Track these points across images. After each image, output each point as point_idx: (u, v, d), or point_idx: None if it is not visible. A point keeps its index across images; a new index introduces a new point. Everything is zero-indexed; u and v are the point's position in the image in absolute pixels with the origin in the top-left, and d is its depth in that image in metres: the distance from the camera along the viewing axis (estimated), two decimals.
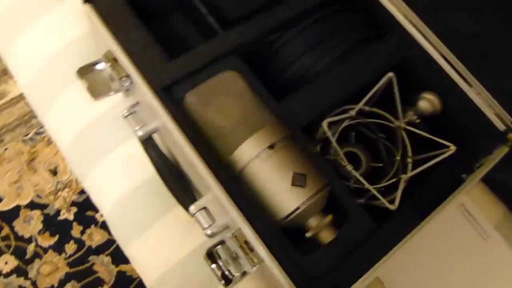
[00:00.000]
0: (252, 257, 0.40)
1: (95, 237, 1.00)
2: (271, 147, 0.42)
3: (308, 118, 0.46)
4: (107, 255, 0.98)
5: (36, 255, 0.98)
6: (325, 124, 0.44)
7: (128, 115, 0.47)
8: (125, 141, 0.58)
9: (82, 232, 0.99)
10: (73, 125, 0.59)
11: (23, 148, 1.03)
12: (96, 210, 1.02)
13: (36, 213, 1.01)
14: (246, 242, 0.40)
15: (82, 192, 1.03)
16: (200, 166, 0.42)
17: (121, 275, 0.97)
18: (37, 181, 1.03)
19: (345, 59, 0.50)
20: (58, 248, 0.99)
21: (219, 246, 0.42)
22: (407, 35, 0.52)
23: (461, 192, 0.45)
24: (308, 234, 0.43)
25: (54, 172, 1.04)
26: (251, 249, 0.40)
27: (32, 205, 1.01)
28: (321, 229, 0.43)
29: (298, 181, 0.41)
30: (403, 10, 0.53)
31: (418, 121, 0.53)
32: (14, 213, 1.00)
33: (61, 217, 1.00)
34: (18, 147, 1.04)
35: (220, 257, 0.41)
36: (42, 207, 1.01)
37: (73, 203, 1.01)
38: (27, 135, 1.05)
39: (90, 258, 0.99)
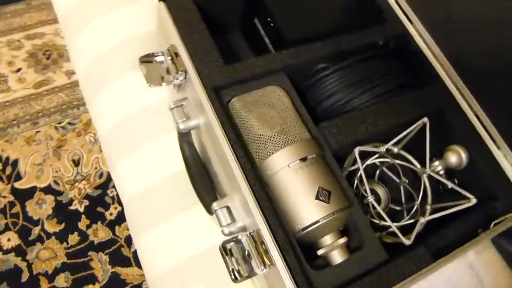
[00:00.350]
0: (265, 259, 0.41)
1: (99, 234, 1.01)
2: (303, 160, 0.44)
3: (340, 143, 0.49)
4: (106, 254, 0.99)
5: (39, 239, 0.99)
6: (356, 150, 0.46)
7: (174, 108, 0.51)
8: (159, 136, 0.60)
9: (88, 226, 1.01)
10: (114, 114, 0.62)
11: (54, 134, 1.07)
12: (106, 207, 1.03)
13: (50, 198, 1.03)
14: (262, 243, 0.41)
15: (98, 187, 1.05)
16: (234, 165, 0.44)
17: (115, 277, 0.96)
18: (58, 168, 1.05)
19: (383, 100, 0.53)
20: (62, 236, 0.99)
21: (233, 243, 0.43)
22: (446, 88, 0.55)
23: (472, 245, 0.46)
24: (320, 252, 0.44)
25: (76, 163, 1.07)
26: (266, 251, 0.41)
27: (48, 190, 1.03)
28: (334, 249, 0.44)
29: (322, 195, 0.43)
30: (445, 66, 0.56)
31: (442, 172, 0.55)
32: (29, 193, 1.02)
33: (72, 207, 1.02)
34: (50, 132, 1.08)
35: (232, 254, 0.43)
36: (57, 193, 1.03)
37: (87, 196, 1.03)
38: (60, 123, 1.10)
39: (90, 253, 0.99)
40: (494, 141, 0.53)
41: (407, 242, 0.44)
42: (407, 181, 0.57)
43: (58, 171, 1.05)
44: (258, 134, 0.46)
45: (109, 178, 1.04)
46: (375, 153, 0.53)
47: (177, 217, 0.57)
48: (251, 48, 0.61)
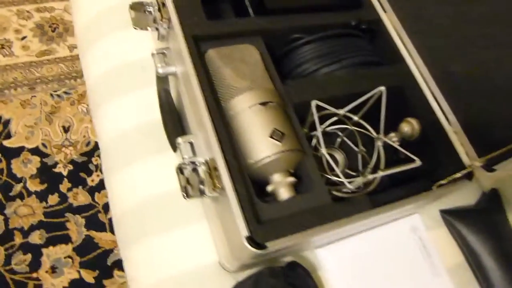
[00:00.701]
0: (216, 183, 0.45)
1: (79, 198, 1.04)
2: (263, 104, 0.49)
3: (301, 99, 0.53)
4: (83, 217, 1.02)
5: (20, 196, 1.02)
6: (313, 103, 0.51)
7: (155, 53, 0.55)
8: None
9: (69, 189, 1.04)
10: (104, 64, 0.67)
11: (49, 100, 1.12)
12: (89, 174, 1.07)
13: (36, 158, 1.06)
14: (215, 169, 0.45)
15: (84, 154, 1.09)
16: (201, 103, 0.48)
17: (88, 239, 0.99)
18: (48, 132, 1.10)
19: (349, 71, 0.58)
20: (42, 196, 1.03)
21: (190, 166, 0.47)
22: (407, 68, 0.60)
23: (412, 200, 0.50)
24: (269, 188, 0.48)
25: (66, 130, 1.12)
26: (218, 176, 0.45)
27: (35, 151, 1.07)
28: (282, 186, 0.48)
29: (276, 135, 0.47)
30: (409, 47, 0.61)
31: (397, 143, 0.59)
32: (16, 152, 1.06)
33: (56, 170, 1.06)
34: (45, 99, 1.12)
35: (187, 173, 0.47)
36: (44, 155, 1.06)
37: (72, 162, 1.07)
38: (56, 91, 1.15)
39: (67, 214, 1.02)
40: (447, 118, 0.57)
41: (350, 186, 0.48)
42: (364, 149, 0.61)
43: (47, 135, 1.09)
44: (226, 81, 0.51)
45: (96, 147, 1.08)
46: (336, 120, 0.58)
47: (150, 158, 0.61)
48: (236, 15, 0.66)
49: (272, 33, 0.58)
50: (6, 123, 1.09)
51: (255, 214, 0.45)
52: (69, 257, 0.98)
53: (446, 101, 0.57)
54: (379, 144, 0.57)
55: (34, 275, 0.95)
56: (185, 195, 0.45)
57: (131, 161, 0.61)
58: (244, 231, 0.43)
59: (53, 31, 1.21)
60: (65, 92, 1.15)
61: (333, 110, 0.54)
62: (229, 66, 0.52)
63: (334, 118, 0.57)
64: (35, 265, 0.96)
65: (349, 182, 0.50)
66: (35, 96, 1.13)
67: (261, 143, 0.47)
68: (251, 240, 0.43)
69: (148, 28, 0.55)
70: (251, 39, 0.57)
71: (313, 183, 0.49)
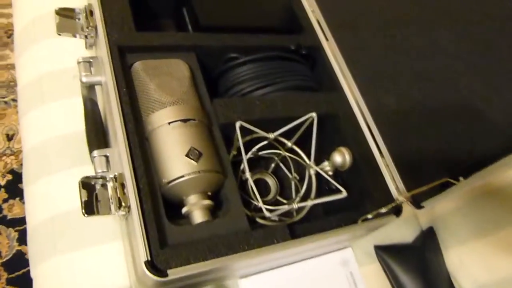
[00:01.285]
0: (122, 200, 0.42)
1: (14, 210, 0.98)
2: (184, 121, 0.47)
3: (228, 119, 0.51)
4: (16, 231, 0.96)
5: None
6: (237, 124, 0.49)
7: (81, 62, 0.53)
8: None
9: (5, 200, 0.98)
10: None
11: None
12: None
13: None
14: (122, 185, 0.43)
15: None
16: (116, 117, 0.46)
17: (19, 255, 0.93)
18: None
19: (283, 94, 0.57)
20: None
21: (98, 183, 0.44)
22: (343, 96, 0.59)
23: (333, 234, 0.48)
24: (183, 209, 0.45)
25: (10, 138, 1.06)
26: (124, 193, 0.42)
27: None
28: (197, 209, 0.45)
29: (193, 154, 0.45)
30: (347, 76, 0.60)
31: (330, 172, 0.58)
32: None
33: None
34: None
35: (94, 189, 0.44)
36: None
37: (11, 171, 1.02)
38: (4, 97, 1.10)
39: (0, 227, 0.96)
40: (379, 150, 0.56)
41: (267, 214, 0.46)
42: (298, 177, 0.59)
43: None
44: (150, 94, 0.49)
45: None
46: (269, 145, 0.56)
47: (65, 172, 0.57)
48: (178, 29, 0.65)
49: (206, 50, 0.57)
50: None
51: (162, 237, 0.42)
52: None
53: (379, 132, 0.56)
54: (311, 172, 0.55)
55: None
56: (83, 212, 0.41)
57: (49, 172, 0.57)
58: (143, 255, 0.40)
59: (8, 37, 1.18)
60: (13, 100, 1.10)
61: (261, 133, 0.53)
62: (154, 80, 0.50)
63: (266, 142, 0.55)
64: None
65: (272, 210, 0.48)
66: None
67: (177, 162, 0.45)
68: (150, 265, 0.40)
69: (77, 35, 0.52)
70: (184, 55, 0.55)
71: (231, 208, 0.47)
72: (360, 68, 0.59)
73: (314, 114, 0.54)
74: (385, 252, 0.63)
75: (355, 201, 0.55)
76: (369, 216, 0.51)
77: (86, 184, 0.43)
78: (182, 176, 0.44)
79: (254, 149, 0.54)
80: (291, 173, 0.60)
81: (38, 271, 0.54)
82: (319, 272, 0.59)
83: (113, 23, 0.52)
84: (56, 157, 0.58)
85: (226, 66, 0.58)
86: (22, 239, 0.95)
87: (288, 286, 0.56)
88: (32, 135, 0.60)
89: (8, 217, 0.97)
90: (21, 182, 0.89)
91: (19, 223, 0.97)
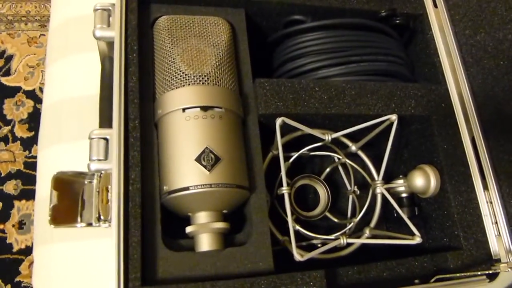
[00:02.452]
0: (101, 210, 0.31)
1: None
2: (204, 108, 0.34)
3: (272, 110, 0.37)
4: None
5: (4, 139, 0.95)
6: (279, 121, 0.35)
7: (98, 9, 0.41)
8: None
9: None
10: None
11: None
12: None
13: (30, 103, 0.99)
14: (107, 189, 0.32)
15: None
16: (117, 86, 0.34)
17: None
18: None
19: (357, 81, 0.41)
20: (27, 144, 0.95)
21: (83, 180, 0.33)
22: (444, 92, 0.42)
23: None
24: (188, 229, 0.34)
25: None
26: (108, 200, 0.31)
27: (30, 94, 0.99)
28: (205, 232, 0.33)
29: (206, 159, 0.32)
30: (456, 64, 0.42)
31: (404, 194, 0.42)
32: (12, 91, 0.99)
33: None
34: None
35: (79, 192, 0.33)
36: (38, 100, 0.98)
37: None
38: None
39: None
40: (484, 179, 0.39)
41: (297, 257, 0.32)
42: (358, 191, 0.44)
43: None
44: (170, 63, 0.36)
45: None
46: (325, 146, 0.42)
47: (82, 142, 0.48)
48: None
49: (262, 6, 0.42)
50: (9, 58, 1.01)
51: (149, 268, 0.31)
52: None
53: (489, 155, 0.39)
54: (376, 191, 0.40)
55: (1, 226, 0.89)
56: (49, 219, 0.31)
57: (60, 139, 0.49)
58: None
59: None
60: None
61: (312, 132, 0.38)
62: (178, 44, 0.37)
63: (320, 144, 0.40)
64: (3, 216, 0.90)
65: (310, 244, 0.35)
66: (44, 34, 1.04)
67: (183, 167, 0.32)
68: None
69: None
70: (230, 11, 0.41)
71: (253, 234, 0.34)
72: (478, 55, 0.41)
73: (394, 117, 0.38)
74: None
75: (433, 243, 0.40)
76: (448, 276, 0.35)
77: (61, 182, 0.32)
78: (187, 188, 0.32)
79: (301, 151, 0.40)
80: (350, 184, 0.45)
81: (38, 253, 0.47)
82: None
83: None
84: (70, 123, 0.49)
85: (286, 31, 0.43)
86: None
87: None
88: (52, 91, 0.52)
89: None
90: None
91: None
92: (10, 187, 0.93)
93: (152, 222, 0.32)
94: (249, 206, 0.35)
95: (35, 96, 1.00)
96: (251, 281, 0.32)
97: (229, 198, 0.33)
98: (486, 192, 0.38)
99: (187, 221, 0.34)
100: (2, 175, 0.93)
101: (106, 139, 0.36)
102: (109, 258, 0.43)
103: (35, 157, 0.94)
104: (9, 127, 0.96)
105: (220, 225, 0.33)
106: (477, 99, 0.41)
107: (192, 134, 0.33)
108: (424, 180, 0.39)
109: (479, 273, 0.35)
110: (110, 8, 0.41)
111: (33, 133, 0.97)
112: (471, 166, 0.39)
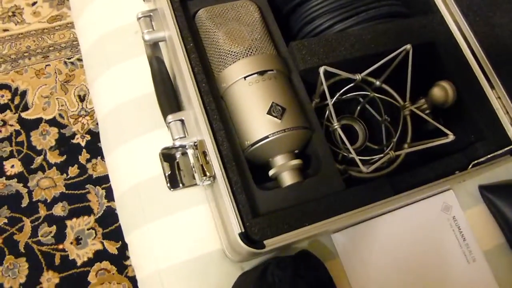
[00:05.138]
0: (206, 169, 0.39)
1: (98, 168, 1.02)
2: (260, 73, 0.41)
3: (308, 64, 0.45)
4: (103, 188, 1.00)
5: (41, 168, 1.02)
6: (321, 70, 0.42)
7: (141, 17, 0.48)
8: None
9: (88, 160, 1.02)
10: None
11: (63, 68, 1.08)
12: None
13: (54, 130, 1.05)
14: (205, 154, 0.39)
15: None
16: (187, 76, 0.42)
17: (109, 211, 0.98)
18: (64, 102, 1.07)
19: (369, 26, 0.49)
20: (62, 168, 1.02)
21: (178, 151, 0.41)
22: (441, 19, 0.50)
23: (440, 183, 0.42)
24: (271, 172, 0.42)
25: (82, 98, 1.08)
26: (207, 161, 0.39)
27: (52, 122, 1.05)
28: (285, 170, 0.41)
29: (275, 111, 0.40)
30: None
31: (427, 111, 0.50)
32: (35, 123, 1.05)
33: (74, 141, 1.04)
34: (59, 67, 1.09)
35: (174, 159, 0.41)
36: (61, 126, 1.05)
37: (89, 131, 1.05)
38: (70, 58, 1.11)
39: (87, 186, 1.01)
40: (489, 80, 0.47)
41: (364, 169, 0.40)
42: (388, 119, 0.52)
43: (63, 105, 1.07)
44: (220, 46, 0.43)
45: None
46: (354, 87, 0.50)
47: (144, 136, 0.55)
48: None
49: None
50: (23, 94, 1.07)
51: (252, 205, 0.39)
52: (92, 228, 0.97)
53: (488, 60, 0.47)
54: (405, 113, 0.48)
55: (60, 246, 0.96)
56: (169, 185, 0.39)
57: (126, 140, 0.56)
58: (237, 228, 0.37)
59: None
60: (79, 59, 1.11)
61: (346, 75, 0.46)
62: (221, 28, 0.44)
63: (352, 84, 0.48)
64: (60, 236, 0.97)
65: (368, 162, 0.43)
66: (49, 64, 1.10)
67: (258, 122, 0.40)
68: (245, 237, 0.37)
69: None
70: None
71: (322, 166, 0.42)
72: None
73: (408, 46, 0.45)
74: (492, 193, 0.56)
75: (461, 143, 0.48)
76: (482, 159, 0.44)
77: (167, 156, 0.40)
78: (267, 137, 0.39)
79: (338, 94, 0.48)
80: (380, 115, 0.53)
81: (131, 237, 0.54)
82: (420, 219, 0.54)
83: None
84: (131, 123, 0.56)
85: (295, 1, 0.51)
86: (109, 195, 1.00)
87: (385, 236, 0.52)
88: (103, 102, 0.59)
89: (94, 176, 1.01)
90: (99, 141, 0.91)
91: (104, 180, 1.01)
92: (59, 210, 1.00)
93: (244, 171, 0.40)
94: (312, 144, 0.43)
95: (57, 123, 1.06)
96: (333, 197, 0.40)
97: (299, 138, 0.41)
98: (493, 90, 0.47)
99: (268, 167, 0.42)
100: (49, 201, 1.00)
101: (181, 120, 0.44)
102: (200, 224, 0.51)
103: (73, 177, 1.01)
104: (42, 156, 1.03)
105: (296, 161, 0.41)
106: (467, 14, 0.49)
107: (259, 94, 0.40)
108: (442, 92, 0.47)
109: (503, 152, 0.43)
110: (151, 14, 0.49)
111: (64, 156, 1.03)
112: (476, 73, 0.47)
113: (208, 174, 0.39)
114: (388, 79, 0.50)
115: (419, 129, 0.52)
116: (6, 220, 0.97)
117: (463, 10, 0.49)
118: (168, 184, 0.39)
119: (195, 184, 0.40)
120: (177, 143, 0.43)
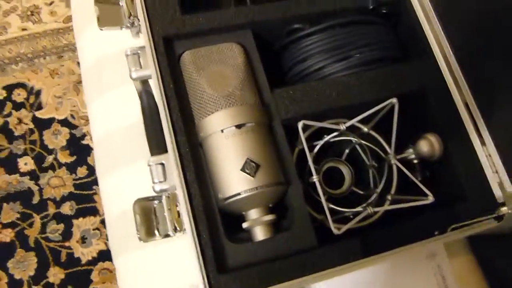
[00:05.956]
0: (176, 223, 0.40)
1: None
2: (238, 126, 0.41)
3: (291, 114, 0.44)
4: None
5: (51, 167, 1.05)
6: (300, 124, 0.42)
7: (129, 55, 0.49)
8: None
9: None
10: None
11: (76, 69, 1.11)
12: None
13: (65, 130, 1.08)
14: (176, 205, 0.40)
15: None
16: (164, 120, 0.42)
17: None
18: (76, 103, 1.10)
19: (358, 72, 0.48)
20: (72, 168, 1.05)
21: (153, 201, 0.42)
22: (434, 65, 0.48)
23: (420, 245, 0.41)
24: (244, 225, 0.42)
25: None
26: (179, 215, 0.40)
27: (64, 122, 1.08)
28: (257, 225, 0.41)
29: (249, 168, 0.40)
30: (441, 41, 0.48)
31: (416, 161, 0.49)
32: (48, 123, 1.08)
33: (84, 142, 1.07)
34: (73, 67, 1.11)
35: (150, 210, 0.41)
36: (72, 127, 1.08)
37: None
38: None
39: (94, 187, 1.04)
40: (480, 136, 0.45)
41: (335, 231, 0.40)
42: (376, 164, 0.51)
43: (75, 105, 1.09)
44: (200, 92, 0.43)
45: None
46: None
47: (135, 164, 0.56)
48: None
49: (264, 24, 0.48)
50: (38, 93, 1.10)
51: (221, 260, 0.39)
52: (97, 229, 1.01)
53: (481, 114, 0.45)
54: (391, 162, 0.47)
55: (67, 243, 1.00)
56: (139, 237, 0.40)
57: (116, 166, 0.57)
58: (202, 283, 0.38)
59: None
60: None
61: (330, 126, 0.45)
62: (203, 74, 0.44)
63: (336, 133, 0.48)
64: (67, 234, 1.01)
65: (344, 217, 0.42)
66: (63, 65, 1.12)
67: (232, 177, 0.40)
68: None
69: (122, 27, 0.48)
70: (238, 33, 0.48)
71: (296, 218, 0.42)
72: (456, 27, 0.46)
73: (394, 100, 0.44)
74: (481, 242, 0.55)
75: (445, 199, 0.47)
76: (463, 223, 0.43)
77: (142, 207, 0.41)
78: (239, 194, 0.40)
79: (322, 142, 0.47)
80: (368, 160, 0.52)
81: (118, 262, 0.56)
82: (402, 267, 0.53)
83: (156, 8, 0.46)
84: (122, 150, 0.57)
85: (287, 40, 0.50)
86: None
87: (367, 285, 0.52)
88: (97, 126, 0.60)
89: None
90: None
91: None
92: (67, 209, 1.03)
93: (215, 224, 0.40)
94: (288, 196, 0.43)
95: (68, 124, 1.09)
96: (304, 255, 0.40)
97: (272, 195, 0.41)
98: (484, 147, 0.45)
99: (242, 218, 0.42)
100: (57, 199, 1.03)
101: (162, 164, 0.45)
102: (181, 258, 0.52)
103: (82, 178, 1.05)
104: (53, 156, 1.06)
105: (269, 217, 0.41)
106: (463, 64, 0.47)
107: (234, 149, 0.40)
108: (428, 147, 0.46)
109: (488, 217, 0.42)
110: (139, 51, 0.49)
111: (74, 157, 1.06)
112: (467, 127, 0.46)
113: (178, 228, 0.39)
114: (377, 124, 0.49)
115: (406, 177, 0.51)
116: (18, 215, 1.02)
117: (459, 57, 0.47)
118: (138, 235, 0.40)
119: (168, 236, 0.40)
120: (157, 187, 0.43)
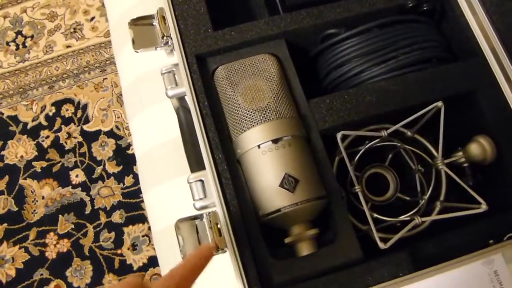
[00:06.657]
0: (218, 242, 0.40)
1: None
2: (275, 141, 0.40)
3: (329, 123, 0.43)
4: None
5: (101, 177, 1.10)
6: (339, 135, 0.41)
7: (164, 73, 0.49)
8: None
9: None
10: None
11: (118, 81, 1.14)
12: None
13: (111, 141, 1.12)
14: (217, 224, 0.40)
15: None
16: (201, 138, 0.42)
17: None
18: (120, 114, 1.13)
19: (399, 75, 0.45)
20: (119, 177, 1.09)
21: (194, 220, 0.42)
22: (484, 65, 0.45)
23: (474, 258, 0.39)
24: (286, 240, 0.41)
25: None
26: (220, 234, 0.40)
27: (110, 134, 1.12)
28: (301, 240, 0.40)
29: (288, 183, 0.39)
30: (490, 37, 0.45)
31: (465, 164, 0.46)
32: (95, 135, 1.13)
33: (130, 152, 1.10)
34: (115, 80, 1.15)
35: (194, 231, 0.42)
36: (118, 137, 1.11)
37: None
38: None
39: (141, 195, 1.07)
40: None
41: (382, 245, 0.38)
42: (422, 169, 0.49)
43: (119, 117, 1.13)
44: (235, 108, 0.43)
45: None
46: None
47: (179, 179, 0.57)
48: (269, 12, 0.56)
49: (298, 32, 0.47)
50: (84, 107, 1.15)
51: (265, 276, 0.39)
52: (146, 235, 1.04)
53: None
54: (438, 167, 0.45)
55: (119, 251, 1.04)
56: (182, 257, 0.40)
57: (160, 181, 0.58)
58: None
59: None
60: None
61: (370, 134, 0.43)
62: (237, 89, 0.43)
63: (378, 140, 0.46)
64: (118, 242, 1.05)
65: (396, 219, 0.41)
66: (106, 78, 1.16)
67: (271, 193, 0.40)
68: None
69: (157, 48, 0.48)
70: (271, 44, 0.47)
71: (339, 232, 0.41)
72: (507, 22, 0.43)
73: (440, 104, 0.42)
74: None
75: (499, 204, 0.44)
76: None
77: (183, 227, 0.41)
78: (279, 210, 0.39)
79: (362, 149, 0.46)
80: (414, 164, 0.50)
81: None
82: (455, 274, 0.50)
83: (187, 27, 0.46)
84: (164, 166, 0.58)
85: (322, 46, 0.49)
86: None
87: None
88: (139, 142, 0.61)
89: None
90: None
91: None
92: (117, 217, 1.07)
93: (257, 241, 0.40)
94: (331, 208, 0.42)
95: (114, 135, 1.13)
96: (350, 270, 0.38)
97: (313, 209, 0.40)
98: None
99: (284, 231, 0.42)
100: (108, 208, 1.08)
101: (201, 181, 0.45)
102: (227, 273, 0.52)
103: (129, 187, 1.08)
104: (102, 166, 1.11)
105: (312, 231, 0.40)
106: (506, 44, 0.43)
107: (272, 165, 0.40)
108: (480, 150, 0.43)
109: None
110: (173, 69, 0.49)
111: (121, 167, 1.10)
112: None
113: (220, 247, 0.39)
114: (423, 127, 0.46)
115: (455, 183, 0.48)
116: (73, 226, 1.07)
117: (510, 52, 0.44)
118: (181, 255, 0.40)
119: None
120: (197, 205, 0.44)
